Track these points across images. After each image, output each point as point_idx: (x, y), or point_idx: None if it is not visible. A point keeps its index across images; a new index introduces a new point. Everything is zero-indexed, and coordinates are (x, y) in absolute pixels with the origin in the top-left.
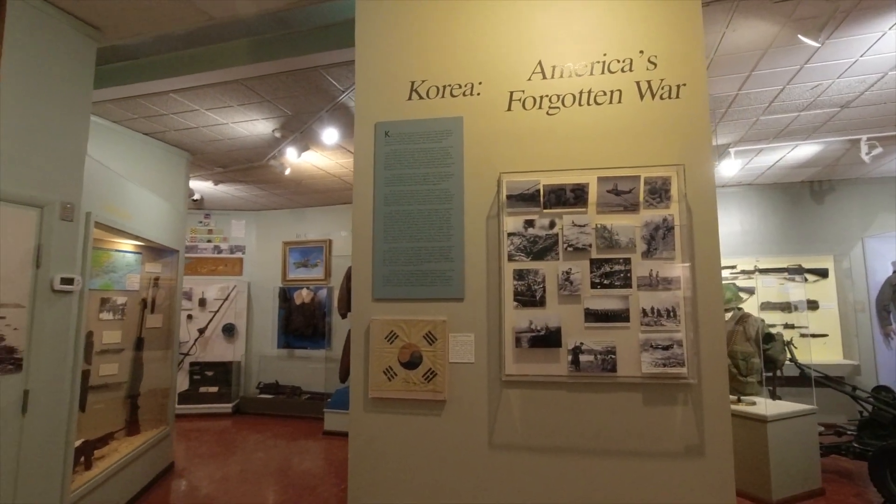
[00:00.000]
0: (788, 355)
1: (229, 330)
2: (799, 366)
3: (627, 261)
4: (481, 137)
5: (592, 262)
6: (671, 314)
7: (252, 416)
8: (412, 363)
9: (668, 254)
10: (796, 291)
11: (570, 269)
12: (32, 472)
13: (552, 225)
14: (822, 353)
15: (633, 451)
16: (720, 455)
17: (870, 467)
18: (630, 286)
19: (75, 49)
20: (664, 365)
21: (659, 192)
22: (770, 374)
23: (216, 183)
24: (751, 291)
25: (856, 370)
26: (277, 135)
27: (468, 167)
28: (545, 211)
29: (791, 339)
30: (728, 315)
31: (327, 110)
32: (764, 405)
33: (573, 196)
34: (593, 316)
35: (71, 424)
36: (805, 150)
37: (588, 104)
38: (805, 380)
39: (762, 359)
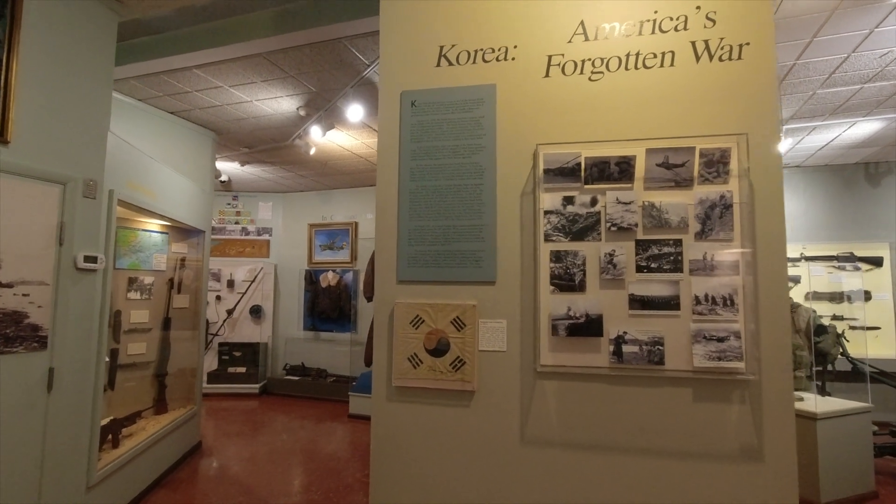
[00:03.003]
0: (840, 349)
1: (257, 311)
2: (851, 360)
3: (678, 242)
4: (516, 106)
5: (638, 243)
6: (728, 302)
7: (278, 396)
8: (439, 350)
9: (725, 235)
10: (850, 281)
11: (614, 250)
12: (58, 450)
13: (594, 202)
14: (874, 347)
15: (681, 452)
16: (782, 461)
17: None
18: (681, 270)
19: (96, 21)
20: (719, 359)
21: (716, 165)
22: (820, 368)
23: (243, 164)
24: (795, 280)
25: None
26: (302, 113)
27: (501, 139)
28: (586, 187)
29: (843, 332)
30: None
31: (352, 86)
32: (813, 401)
33: (618, 170)
34: (639, 303)
35: (97, 403)
36: (863, 128)
37: (636, 68)
38: (857, 375)
39: (813, 352)
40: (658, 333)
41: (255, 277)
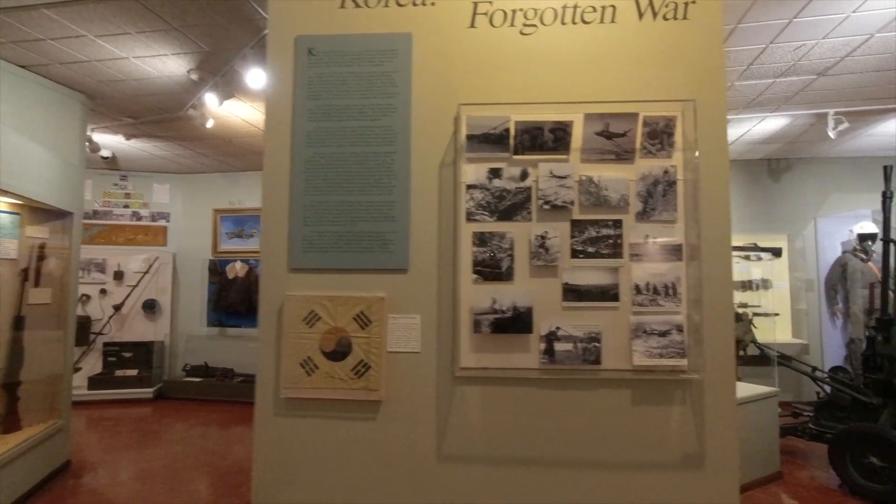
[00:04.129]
0: (752, 336)
1: (151, 306)
2: (759, 346)
3: (618, 223)
4: (436, 60)
5: (574, 223)
6: (670, 291)
7: (177, 401)
8: (339, 353)
9: (668, 215)
10: (755, 270)
11: (546, 232)
12: None
13: (524, 175)
14: (772, 333)
15: (619, 462)
16: (724, 467)
17: (830, 450)
18: (621, 256)
19: None
20: (660, 355)
21: (660, 136)
22: (741, 353)
23: (128, 137)
24: None
25: (804, 349)
26: (194, 77)
27: (418, 98)
28: (516, 157)
29: (752, 319)
30: None
31: (252, 46)
32: None
33: (553, 138)
34: (574, 293)
35: None
36: (771, 124)
37: (573, 22)
38: (764, 360)
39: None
40: (594, 328)
41: (150, 268)
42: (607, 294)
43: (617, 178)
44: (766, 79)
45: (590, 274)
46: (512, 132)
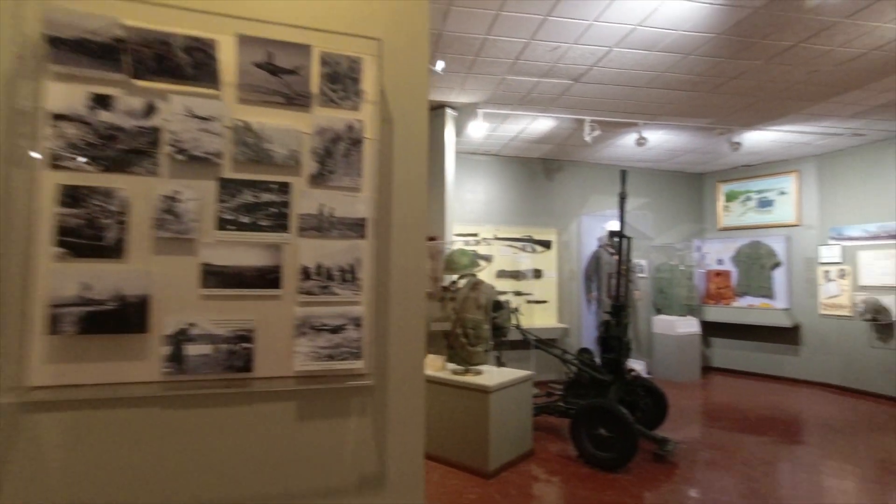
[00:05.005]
0: (514, 322)
1: None
2: (522, 332)
3: (285, 187)
4: None
5: (224, 184)
6: (348, 277)
7: None
8: None
9: (351, 181)
10: (526, 261)
11: (178, 192)
12: None
13: (150, 110)
14: (542, 318)
15: (280, 497)
16: (408, 487)
17: (570, 425)
18: (286, 229)
19: None
20: (330, 357)
21: (343, 80)
22: (503, 339)
23: None
24: (488, 259)
25: (566, 332)
26: None
27: None
28: (137, 82)
29: (518, 307)
30: (462, 282)
31: None
32: (490, 375)
33: (191, 62)
34: (218, 277)
35: None
36: (542, 124)
37: None
38: (528, 344)
39: (491, 327)
40: (245, 324)
41: None
42: (265, 279)
43: (285, 128)
44: (532, 77)
45: (242, 252)
46: (125, 43)
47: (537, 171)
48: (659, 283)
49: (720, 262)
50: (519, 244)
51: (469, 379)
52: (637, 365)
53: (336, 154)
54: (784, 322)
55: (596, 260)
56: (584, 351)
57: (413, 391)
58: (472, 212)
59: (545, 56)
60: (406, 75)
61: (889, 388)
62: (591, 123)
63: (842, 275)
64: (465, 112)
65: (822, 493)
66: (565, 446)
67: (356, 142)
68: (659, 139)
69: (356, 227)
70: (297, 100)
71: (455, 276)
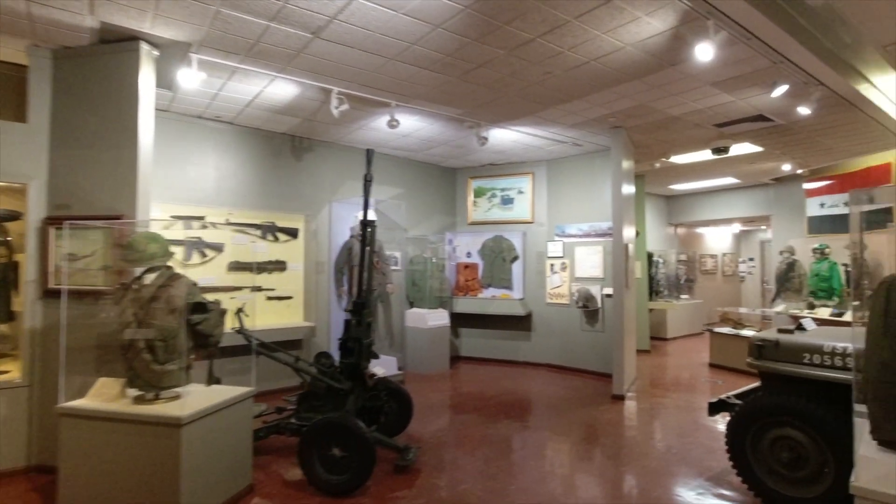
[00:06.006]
0: (232, 326)
1: None
2: (247, 337)
3: None
4: None
5: None
6: None
7: None
8: None
9: None
10: (266, 251)
11: None
12: None
13: None
14: (286, 316)
15: None
16: None
17: (298, 447)
18: None
19: None
20: None
21: None
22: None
23: None
24: (218, 248)
25: (313, 331)
26: None
27: None
28: None
29: (242, 307)
30: (150, 277)
31: None
32: (187, 400)
33: None
34: None
35: None
36: (283, 90)
37: None
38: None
39: (192, 336)
40: None
41: None
42: None
43: None
44: (258, 17)
45: None
46: None
47: (283, 149)
48: (413, 276)
49: (469, 255)
50: (258, 231)
51: (153, 410)
52: (388, 362)
53: None
54: (519, 311)
55: (348, 251)
56: (322, 355)
57: None
58: (199, 190)
59: None
60: None
61: (595, 364)
62: (338, 95)
63: (563, 268)
64: (172, 53)
65: (546, 461)
66: (298, 471)
67: None
68: (412, 125)
69: None
70: None
71: (140, 269)
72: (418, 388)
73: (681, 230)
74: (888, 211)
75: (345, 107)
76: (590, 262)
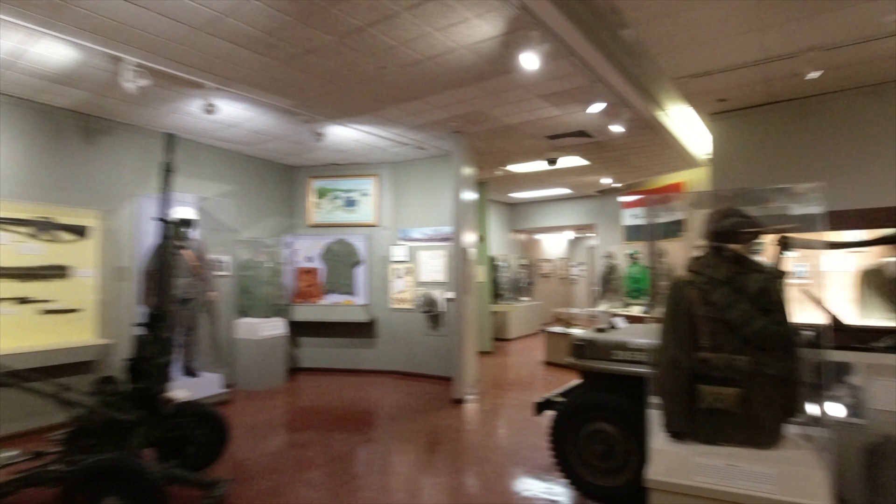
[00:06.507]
0: None
1: None
2: None
3: None
4: None
5: None
6: None
7: None
8: None
9: None
10: (36, 252)
11: None
12: None
13: None
14: (70, 333)
15: None
16: None
17: (57, 499)
18: None
19: None
20: None
21: None
22: None
23: None
24: None
25: (109, 350)
26: None
27: None
28: None
29: None
30: None
31: None
32: None
33: None
34: None
35: None
36: (56, 52)
37: None
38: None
39: None
40: None
41: None
42: None
43: None
44: None
45: None
46: None
47: (66, 129)
48: (244, 282)
49: (310, 259)
50: (27, 229)
51: None
52: (210, 381)
53: None
54: (362, 318)
55: (156, 254)
56: (106, 381)
57: None
58: None
59: None
60: None
61: (439, 369)
62: (135, 68)
63: (407, 272)
64: None
65: (387, 475)
66: None
67: None
68: (238, 114)
69: None
70: None
71: None
72: (248, 406)
73: (522, 236)
74: (680, 223)
75: (145, 82)
76: (433, 266)
